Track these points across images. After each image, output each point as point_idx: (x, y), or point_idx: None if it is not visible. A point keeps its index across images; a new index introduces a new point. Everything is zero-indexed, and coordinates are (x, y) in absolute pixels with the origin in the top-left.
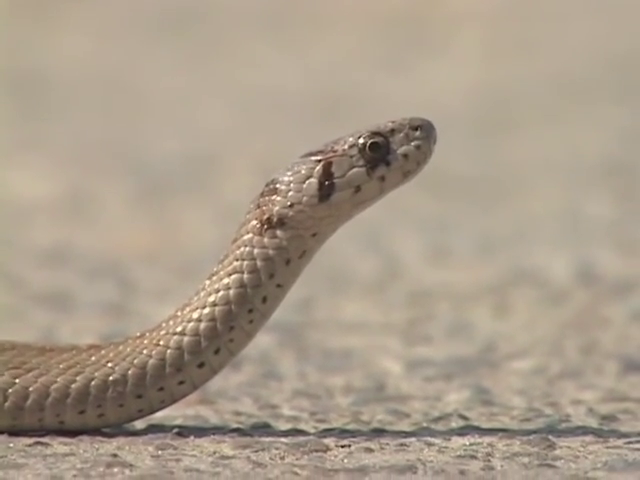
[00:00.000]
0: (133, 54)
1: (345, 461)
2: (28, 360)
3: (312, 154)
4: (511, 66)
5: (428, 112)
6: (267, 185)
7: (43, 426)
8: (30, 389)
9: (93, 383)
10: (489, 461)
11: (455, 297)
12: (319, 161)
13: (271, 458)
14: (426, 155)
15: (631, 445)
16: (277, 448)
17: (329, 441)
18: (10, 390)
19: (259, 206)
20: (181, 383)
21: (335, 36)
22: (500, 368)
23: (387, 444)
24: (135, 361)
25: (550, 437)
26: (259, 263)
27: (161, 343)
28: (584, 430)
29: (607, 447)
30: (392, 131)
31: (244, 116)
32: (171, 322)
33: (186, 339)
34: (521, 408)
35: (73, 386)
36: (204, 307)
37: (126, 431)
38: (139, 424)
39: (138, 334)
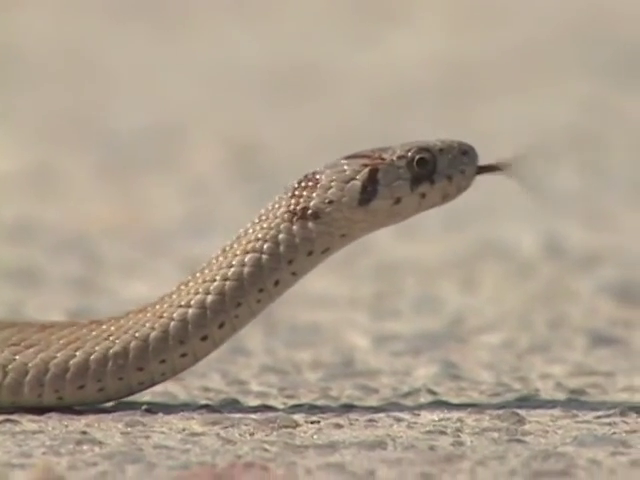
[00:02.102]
0: (98, 28)
1: (315, 437)
2: (28, 337)
3: (358, 157)
4: (476, 36)
5: (393, 83)
6: (306, 176)
7: (42, 402)
8: (29, 365)
9: (93, 357)
10: (458, 437)
11: (422, 271)
12: (366, 165)
13: (240, 434)
14: (468, 182)
15: (600, 420)
16: (246, 424)
17: (298, 417)
18: (10, 366)
19: (294, 195)
20: (183, 355)
21: (298, 9)
22: (468, 342)
23: (356, 420)
24: (137, 334)
25: (519, 412)
26: (282, 248)
27: (164, 315)
28: (553, 405)
29: (576, 422)
30: (441, 151)
31: (209, 90)
32: (174, 295)
33: (191, 311)
34: (490, 383)
35: (72, 361)
36: (214, 280)
37: (95, 408)
38: None
39: (139, 308)
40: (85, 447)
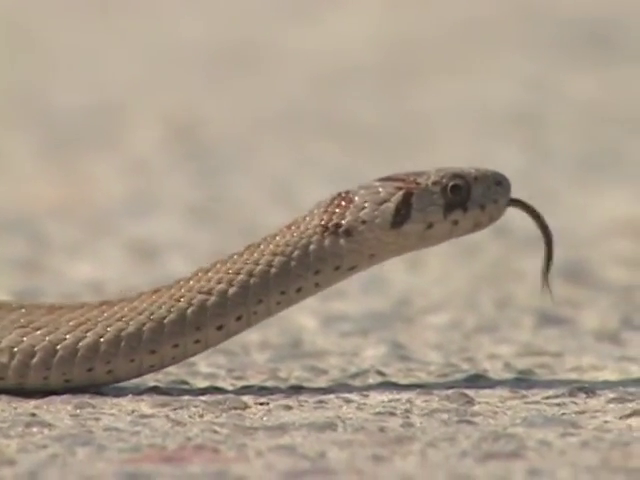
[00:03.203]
0: (37, 5)
1: (264, 419)
2: (37, 319)
3: (393, 180)
4: (416, 14)
5: (333, 61)
6: (339, 194)
7: (49, 385)
8: (37, 347)
9: (104, 338)
10: (408, 418)
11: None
12: (400, 188)
13: (190, 416)
14: (499, 213)
15: (549, 400)
16: (196, 406)
17: (247, 399)
18: (17, 348)
19: (327, 211)
20: (196, 342)
21: None
22: (415, 323)
23: (305, 401)
24: (152, 316)
25: (468, 393)
26: (311, 259)
27: (182, 300)
28: (502, 385)
29: (525, 402)
30: (476, 179)
31: (149, 67)
32: (192, 282)
33: (212, 299)
34: (438, 363)
35: (82, 343)
36: (238, 273)
37: (44, 390)
38: None
39: (152, 290)
40: (35, 429)
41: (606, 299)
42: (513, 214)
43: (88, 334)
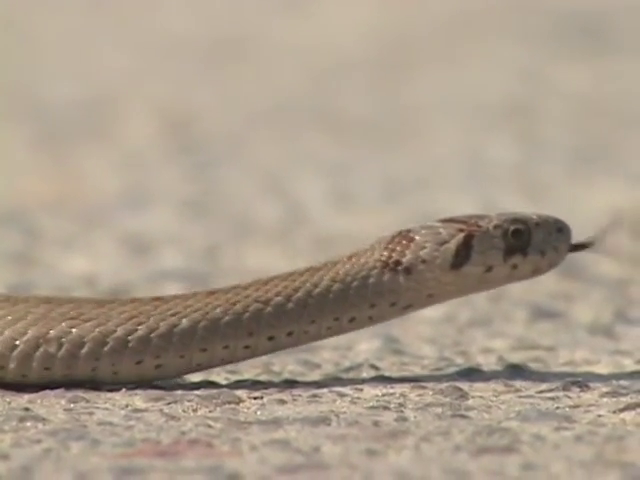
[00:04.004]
0: None
1: (258, 413)
2: (87, 312)
3: (455, 221)
4: (409, 7)
5: (327, 54)
6: (400, 233)
7: (96, 377)
8: (86, 338)
9: (155, 332)
10: (402, 412)
11: (360, 243)
12: (462, 230)
13: (184, 411)
14: (559, 259)
15: (543, 394)
16: (189, 400)
17: (241, 393)
18: (65, 339)
19: (387, 247)
20: (246, 347)
21: None
22: (409, 316)
23: (299, 395)
24: (207, 315)
25: (462, 387)
26: (369, 292)
27: (238, 304)
28: (495, 379)
29: (519, 396)
30: (537, 225)
31: (143, 61)
32: (250, 290)
33: (268, 309)
34: (432, 357)
35: (133, 335)
36: (297, 291)
37: (37, 385)
38: None
39: (208, 291)
40: (29, 424)
41: (599, 293)
42: (507, 206)
43: (139, 327)
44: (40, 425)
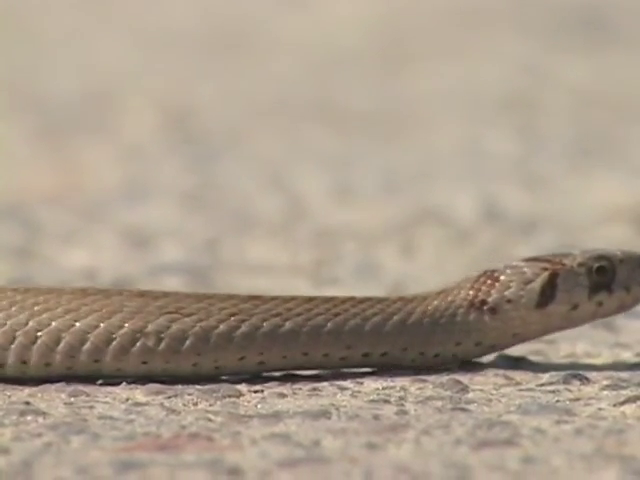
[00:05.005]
0: None
1: (259, 407)
2: (186, 306)
3: (539, 260)
4: None
5: (326, 46)
6: (485, 272)
7: (199, 371)
8: (188, 333)
9: (261, 331)
10: (402, 405)
11: (361, 237)
12: (546, 269)
13: (184, 404)
14: None
15: (544, 388)
16: (190, 394)
17: (242, 387)
18: (165, 333)
19: (473, 287)
20: (342, 359)
21: None
22: None
23: (300, 389)
24: (309, 321)
25: (462, 380)
26: (456, 330)
27: (339, 316)
28: (496, 372)
29: (519, 390)
30: (621, 261)
31: (143, 54)
32: (348, 304)
33: (367, 327)
34: None
35: (237, 332)
36: (392, 316)
37: (38, 378)
38: None
39: (307, 297)
40: (29, 418)
41: None
42: (507, 199)
43: (243, 325)
44: (40, 419)
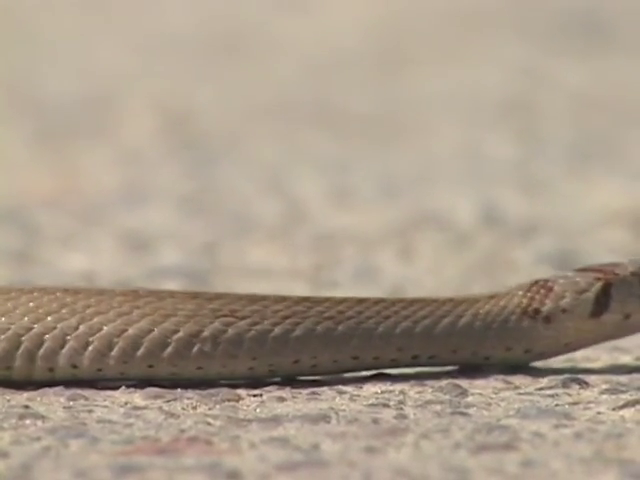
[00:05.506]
0: None
1: (258, 411)
2: (240, 309)
3: (591, 270)
4: (408, 1)
5: (326, 49)
6: (537, 282)
7: (255, 374)
8: (244, 337)
9: (315, 334)
10: (402, 409)
11: (360, 241)
12: (599, 279)
13: (183, 408)
14: None
15: (543, 391)
16: (189, 398)
17: (241, 390)
18: (221, 337)
19: (526, 295)
20: (392, 360)
21: None
22: None
23: (299, 393)
24: (361, 325)
25: (461, 384)
26: (507, 336)
27: (390, 319)
28: (495, 376)
29: (519, 394)
30: None
31: (141, 57)
32: (397, 307)
33: (418, 328)
34: None
35: (291, 335)
36: (442, 318)
37: (36, 382)
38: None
39: (357, 299)
40: (28, 421)
41: None
42: (506, 204)
43: (297, 328)
44: (39, 423)
